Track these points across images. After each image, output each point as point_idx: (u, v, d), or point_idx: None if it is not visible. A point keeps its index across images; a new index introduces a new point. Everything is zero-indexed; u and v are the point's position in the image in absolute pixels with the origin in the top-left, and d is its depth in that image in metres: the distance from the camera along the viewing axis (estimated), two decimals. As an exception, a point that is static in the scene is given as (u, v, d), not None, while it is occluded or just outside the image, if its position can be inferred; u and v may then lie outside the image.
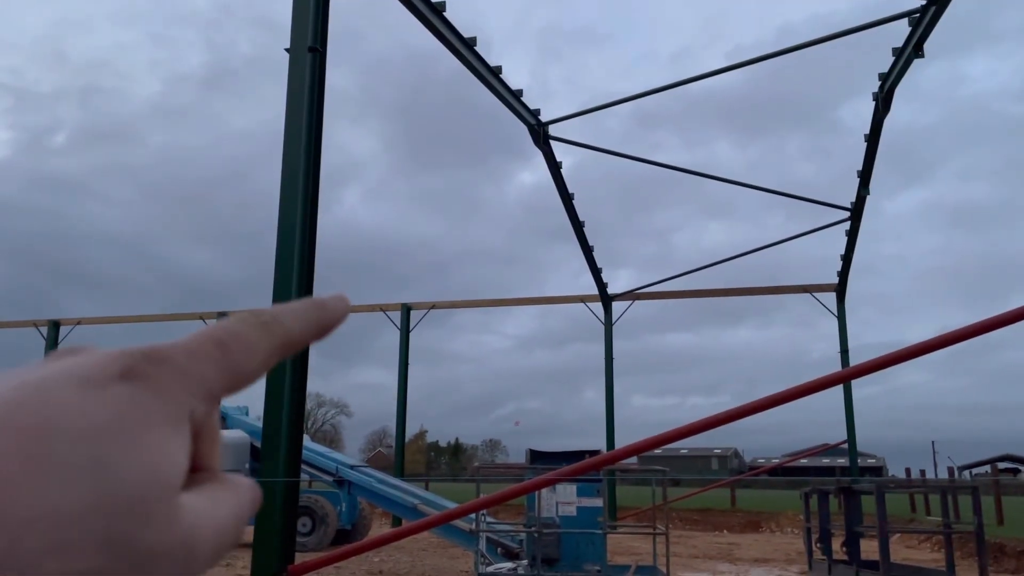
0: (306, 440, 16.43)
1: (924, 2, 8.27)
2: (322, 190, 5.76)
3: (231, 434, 15.83)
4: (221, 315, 22.14)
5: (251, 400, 18.49)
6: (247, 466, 15.29)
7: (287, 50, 5.72)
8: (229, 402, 19.49)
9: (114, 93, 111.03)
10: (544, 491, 8.63)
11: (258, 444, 13.80)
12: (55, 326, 23.07)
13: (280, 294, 5.48)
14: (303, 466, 12.13)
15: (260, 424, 7.46)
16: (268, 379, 5.41)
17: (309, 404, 61.19)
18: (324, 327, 0.37)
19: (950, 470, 37.81)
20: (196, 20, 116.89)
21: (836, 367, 18.65)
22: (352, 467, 14.08)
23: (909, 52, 9.21)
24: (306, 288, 5.55)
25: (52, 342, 22.73)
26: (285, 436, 5.25)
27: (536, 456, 9.72)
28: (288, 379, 5.34)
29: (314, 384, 62.52)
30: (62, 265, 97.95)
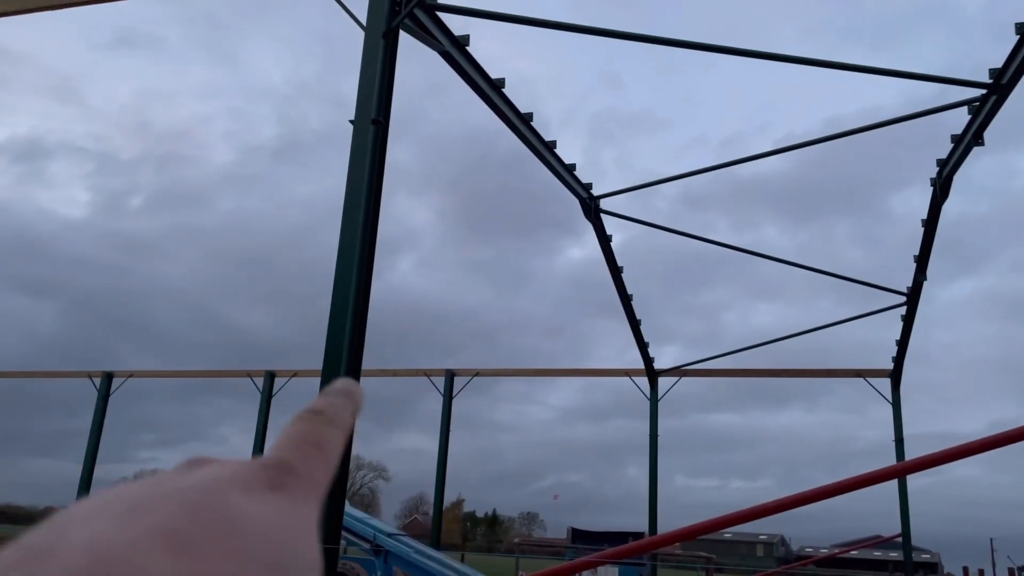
0: (345, 505, 16.29)
1: (984, 92, 8.26)
2: (377, 256, 5.87)
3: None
4: (268, 374, 22.42)
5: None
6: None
7: (351, 121, 5.92)
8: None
9: (190, 161, 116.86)
10: (585, 573, 8.41)
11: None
12: (108, 377, 23.44)
13: (331, 355, 5.54)
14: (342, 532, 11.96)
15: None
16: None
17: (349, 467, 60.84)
18: (356, 414, 0.41)
19: (1011, 571, 35.76)
20: (272, 95, 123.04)
21: (885, 455, 18.01)
22: (390, 535, 13.86)
23: (969, 139, 9.17)
24: (356, 351, 5.61)
25: (104, 393, 23.16)
26: (328, 501, 5.23)
27: (578, 535, 9.52)
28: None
29: (355, 446, 62.61)
30: (124, 320, 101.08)
